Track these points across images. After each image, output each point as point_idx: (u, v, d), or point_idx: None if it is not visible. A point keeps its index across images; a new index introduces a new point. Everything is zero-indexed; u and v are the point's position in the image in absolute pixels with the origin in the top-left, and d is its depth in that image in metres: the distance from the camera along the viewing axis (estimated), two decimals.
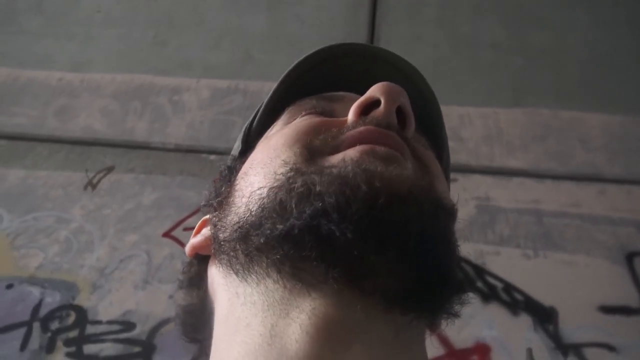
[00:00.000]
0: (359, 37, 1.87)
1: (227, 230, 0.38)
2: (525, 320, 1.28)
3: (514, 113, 1.70)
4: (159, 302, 1.29)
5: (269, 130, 0.47)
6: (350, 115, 0.41)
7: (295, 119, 0.45)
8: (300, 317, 0.33)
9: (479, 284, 1.33)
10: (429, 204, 0.34)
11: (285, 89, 0.49)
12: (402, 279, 0.33)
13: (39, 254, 1.39)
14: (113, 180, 1.56)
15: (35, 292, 1.31)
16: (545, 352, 1.23)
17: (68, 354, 1.22)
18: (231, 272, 0.37)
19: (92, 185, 1.55)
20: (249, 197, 0.37)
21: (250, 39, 1.89)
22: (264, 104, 0.49)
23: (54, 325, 1.26)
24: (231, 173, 0.44)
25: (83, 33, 1.94)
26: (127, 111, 1.73)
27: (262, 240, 0.34)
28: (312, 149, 0.38)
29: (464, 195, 1.51)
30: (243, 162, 0.43)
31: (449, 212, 0.36)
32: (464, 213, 1.47)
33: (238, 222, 0.37)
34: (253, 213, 0.36)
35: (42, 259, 1.38)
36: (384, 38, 1.88)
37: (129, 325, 1.26)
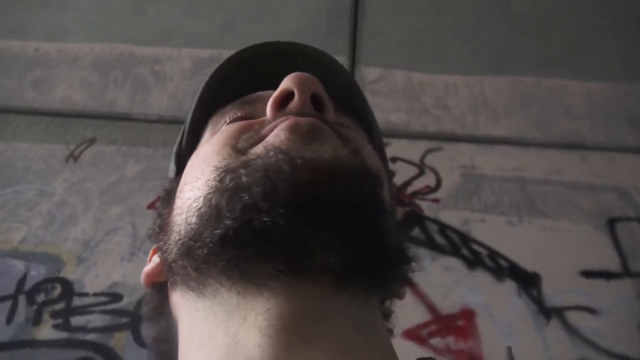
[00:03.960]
0: (342, 5, 1.84)
1: (173, 251, 0.38)
2: (509, 286, 1.31)
3: (498, 81, 1.71)
4: None
5: (199, 144, 0.47)
6: (268, 111, 0.41)
7: (219, 129, 0.45)
8: (258, 320, 0.32)
9: (464, 251, 1.35)
10: (352, 174, 0.34)
11: (205, 102, 0.49)
12: (341, 253, 0.33)
13: (22, 228, 1.37)
14: (95, 152, 1.54)
15: (20, 265, 1.30)
16: (528, 317, 1.26)
17: (55, 326, 1.21)
18: (187, 290, 0.37)
19: (73, 157, 1.52)
20: (187, 212, 0.37)
21: (230, 7, 1.86)
22: (188, 121, 0.49)
23: (40, 298, 1.25)
24: (169, 195, 0.44)
25: (58, 1, 1.88)
26: (107, 82, 1.70)
27: (205, 251, 0.34)
28: (239, 149, 0.39)
29: (450, 163, 1.52)
30: (179, 182, 0.43)
31: (375, 179, 0.36)
32: (450, 181, 1.48)
33: (180, 239, 0.37)
34: (192, 226, 0.36)
35: (25, 233, 1.36)
36: (368, 7, 1.85)
37: (116, 297, 1.26)
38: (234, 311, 0.34)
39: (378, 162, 0.43)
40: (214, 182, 0.36)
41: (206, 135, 0.47)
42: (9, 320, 1.21)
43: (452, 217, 1.41)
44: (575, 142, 1.59)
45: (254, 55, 0.50)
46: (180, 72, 1.72)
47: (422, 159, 1.52)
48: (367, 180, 0.35)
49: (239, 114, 0.46)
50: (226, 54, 1.70)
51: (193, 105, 0.49)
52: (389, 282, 0.37)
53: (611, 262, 1.34)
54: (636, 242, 1.37)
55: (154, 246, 0.45)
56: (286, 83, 0.41)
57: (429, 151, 1.54)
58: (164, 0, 1.88)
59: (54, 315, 1.23)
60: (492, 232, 1.39)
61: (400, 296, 0.44)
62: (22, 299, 1.25)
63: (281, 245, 0.32)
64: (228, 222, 0.33)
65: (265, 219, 0.32)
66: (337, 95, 0.46)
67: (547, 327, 1.25)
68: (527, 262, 1.33)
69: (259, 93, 0.47)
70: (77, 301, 1.25)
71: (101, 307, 1.24)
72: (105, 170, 1.50)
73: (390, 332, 0.45)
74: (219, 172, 0.36)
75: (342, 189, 0.33)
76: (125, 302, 1.25)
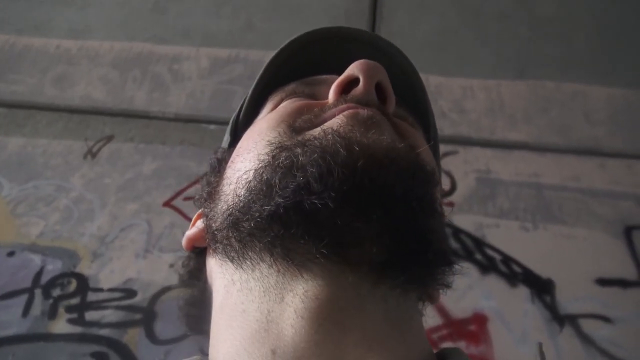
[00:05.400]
0: (362, 5, 1.84)
1: (218, 219, 0.38)
2: (522, 292, 1.29)
3: (517, 85, 1.69)
4: (159, 271, 1.30)
5: (256, 119, 0.48)
6: (331, 95, 0.41)
7: (280, 105, 0.45)
8: (294, 301, 0.33)
9: (478, 256, 1.34)
10: (408, 168, 0.34)
11: (268, 77, 0.49)
12: (385, 245, 0.33)
13: (40, 222, 1.39)
14: (113, 149, 1.56)
15: (37, 259, 1.32)
16: (541, 323, 1.25)
17: (70, 320, 1.23)
18: (227, 260, 0.37)
19: (91, 154, 1.54)
20: (236, 183, 0.38)
21: (251, 7, 1.86)
22: (249, 94, 0.50)
23: (56, 292, 1.27)
24: (220, 164, 0.45)
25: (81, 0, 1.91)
26: (126, 80, 1.72)
27: (252, 224, 0.34)
28: (295, 128, 0.39)
29: (465, 167, 1.51)
30: (231, 153, 0.44)
31: (429, 177, 0.36)
32: (464, 185, 1.47)
33: (227, 210, 0.37)
34: (241, 198, 0.36)
35: (42, 227, 1.38)
36: (388, 6, 1.85)
37: (130, 293, 1.27)
38: (271, 289, 0.34)
39: (432, 159, 0.44)
40: (266, 157, 0.36)
41: (264, 111, 0.48)
42: (25, 313, 1.23)
43: (466, 222, 1.40)
44: (594, 148, 1.56)
45: (319, 38, 0.50)
46: (198, 71, 1.73)
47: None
48: (422, 177, 0.35)
49: (299, 94, 0.46)
50: (244, 53, 1.71)
51: (255, 81, 0.49)
52: (427, 282, 0.37)
53: (627, 270, 1.32)
54: None
55: (199, 211, 0.46)
56: (352, 69, 0.41)
57: (444, 155, 1.53)
58: (185, 0, 1.90)
59: (69, 309, 1.25)
60: (506, 237, 1.37)
61: (434, 300, 0.44)
62: (38, 292, 1.26)
63: (328, 229, 0.33)
64: (279, 199, 0.33)
65: (316, 200, 0.32)
66: (400, 89, 0.46)
67: (560, 335, 1.23)
68: (541, 269, 1.32)
69: (322, 76, 0.48)
70: (91, 296, 1.27)
71: (115, 303, 1.26)
72: (122, 167, 1.51)
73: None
74: (272, 148, 0.37)
75: (397, 181, 0.33)
76: (139, 298, 1.27)
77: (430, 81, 1.68)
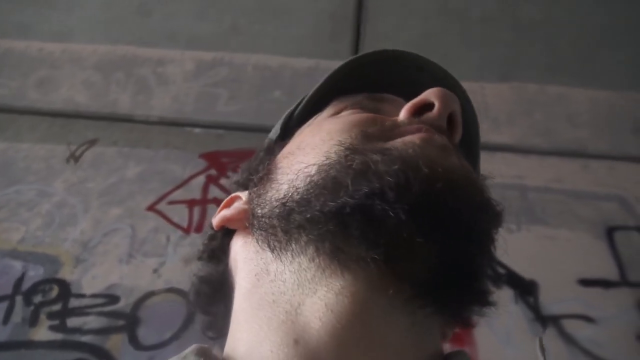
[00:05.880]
0: (347, 9, 1.84)
1: (267, 207, 0.38)
2: (506, 293, 1.30)
3: (501, 88, 1.70)
4: (143, 276, 1.30)
5: (311, 119, 0.48)
6: (403, 114, 0.42)
7: (342, 112, 0.46)
8: (328, 295, 0.33)
9: None
10: (482, 201, 0.35)
11: (331, 84, 0.49)
12: (435, 269, 0.33)
13: (21, 228, 1.38)
14: (96, 153, 1.54)
15: (18, 265, 1.31)
16: (525, 324, 1.26)
17: (51, 327, 1.22)
18: (266, 248, 0.37)
19: (74, 158, 1.53)
20: (295, 174, 0.37)
21: (236, 10, 1.86)
22: (310, 95, 0.50)
23: (37, 298, 1.26)
24: (269, 154, 0.45)
25: (64, 2, 1.89)
26: (109, 83, 1.71)
27: (308, 216, 0.35)
28: (368, 135, 0.39)
29: None
30: (282, 146, 0.44)
31: (498, 217, 0.37)
32: None
33: (281, 199, 0.37)
34: (299, 190, 0.36)
35: (24, 233, 1.37)
36: (373, 10, 1.85)
37: (113, 299, 1.26)
38: (307, 283, 0.34)
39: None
40: (335, 156, 0.36)
41: (324, 114, 0.48)
42: (6, 320, 1.22)
43: None
44: (577, 150, 1.58)
45: (391, 57, 0.50)
46: (183, 74, 1.73)
47: None
48: (492, 214, 0.36)
49: (362, 106, 0.46)
50: (229, 56, 1.71)
51: (317, 85, 0.50)
52: (456, 315, 0.37)
53: (609, 271, 1.33)
54: (635, 251, 1.36)
55: (233, 194, 0.46)
56: (429, 94, 0.42)
57: None
58: (170, 3, 1.89)
59: (51, 316, 1.23)
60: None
61: (468, 325, 0.43)
62: (19, 299, 1.25)
63: (390, 238, 0.33)
64: (348, 199, 0.33)
65: (387, 207, 0.32)
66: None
67: (543, 335, 1.24)
68: (525, 270, 1.33)
69: (385, 94, 0.48)
70: (74, 302, 1.26)
71: (98, 309, 1.25)
72: (105, 171, 1.50)
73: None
74: (343, 149, 0.37)
75: (469, 210, 0.33)
76: (122, 304, 1.26)
77: None
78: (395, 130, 0.39)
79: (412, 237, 0.32)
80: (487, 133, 1.59)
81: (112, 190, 1.46)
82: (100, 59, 1.77)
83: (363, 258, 0.33)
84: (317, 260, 0.34)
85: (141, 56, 1.77)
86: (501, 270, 1.33)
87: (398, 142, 0.37)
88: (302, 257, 0.35)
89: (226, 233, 0.44)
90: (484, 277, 0.36)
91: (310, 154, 0.39)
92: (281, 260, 0.36)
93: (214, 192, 1.44)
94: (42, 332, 1.21)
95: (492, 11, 1.85)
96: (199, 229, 1.37)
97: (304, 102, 0.50)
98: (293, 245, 0.36)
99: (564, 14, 1.85)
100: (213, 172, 1.48)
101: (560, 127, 1.63)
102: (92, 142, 1.57)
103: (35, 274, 1.30)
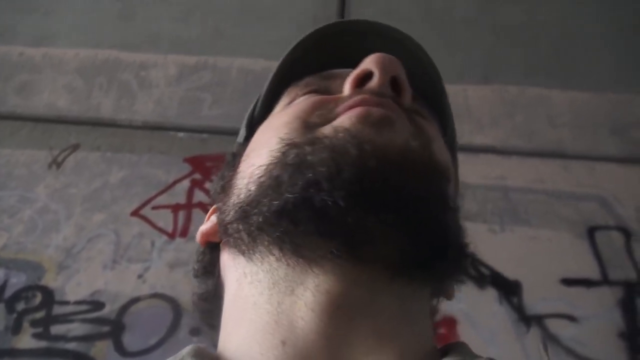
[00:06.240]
0: (330, 11, 1.85)
1: (230, 213, 0.38)
2: (491, 294, 1.31)
3: (482, 90, 1.72)
4: (128, 282, 1.29)
5: (271, 114, 0.48)
6: (346, 89, 0.41)
7: (295, 100, 0.45)
8: (305, 294, 0.33)
9: None
10: (419, 167, 0.34)
11: (284, 72, 0.49)
12: (400, 245, 0.33)
13: (3, 234, 1.36)
14: (79, 159, 1.53)
15: (0, 273, 1.29)
16: (509, 324, 1.27)
17: (35, 335, 1.20)
18: (238, 253, 0.38)
19: (56, 163, 1.51)
20: (249, 178, 0.38)
21: (219, 14, 1.86)
22: (264, 89, 0.50)
23: (20, 306, 1.24)
24: (235, 159, 0.45)
25: (45, 5, 1.87)
26: (92, 87, 1.69)
27: (260, 219, 0.35)
28: (309, 124, 0.39)
29: None
30: (246, 147, 0.44)
31: (442, 174, 0.36)
32: None
33: (240, 203, 0.37)
34: (252, 192, 0.36)
35: (6, 239, 1.35)
36: (355, 12, 1.86)
37: (97, 305, 1.25)
38: (281, 281, 0.34)
39: (448, 156, 0.43)
40: (277, 154, 0.36)
41: (279, 106, 0.47)
42: None
43: None
44: (558, 151, 1.60)
45: (335, 32, 0.49)
46: (166, 78, 1.72)
47: None
48: (434, 175, 0.35)
49: (315, 88, 0.46)
50: (213, 60, 1.70)
51: (271, 75, 0.49)
52: (442, 279, 0.37)
53: (591, 270, 1.35)
54: (615, 250, 1.39)
55: (214, 206, 0.46)
56: (367, 63, 0.41)
57: None
58: (152, 6, 1.88)
59: (34, 323, 1.22)
60: (474, 240, 1.39)
61: (449, 296, 0.44)
62: (1, 307, 1.23)
63: (340, 227, 0.32)
64: (288, 195, 0.33)
65: (326, 197, 0.32)
66: (418, 83, 0.45)
67: (527, 335, 1.26)
68: (508, 270, 1.34)
69: (337, 70, 0.47)
70: (57, 309, 1.24)
71: (82, 316, 1.23)
72: (88, 176, 1.49)
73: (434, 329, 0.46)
74: (282, 145, 0.37)
75: (407, 181, 0.33)
76: (107, 311, 1.24)
77: None
78: (336, 110, 0.39)
79: (359, 221, 0.32)
80: (470, 135, 1.62)
81: (95, 195, 1.45)
82: (81, 64, 1.75)
83: (324, 251, 0.33)
84: (284, 259, 0.34)
85: (124, 60, 1.76)
86: (485, 271, 1.34)
87: (328, 129, 0.37)
88: (270, 257, 0.35)
89: (214, 247, 0.44)
90: (452, 232, 0.36)
91: (261, 154, 0.39)
92: (253, 262, 0.36)
93: (199, 196, 1.43)
94: (26, 340, 1.19)
95: (473, 14, 1.88)
96: (184, 233, 1.36)
97: (260, 97, 0.50)
98: (259, 246, 0.36)
99: (542, 17, 1.88)
100: (197, 176, 1.48)
101: (541, 128, 1.65)
102: (75, 147, 1.55)
103: (18, 281, 1.28)
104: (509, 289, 1.31)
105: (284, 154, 0.36)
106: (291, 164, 0.35)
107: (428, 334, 0.37)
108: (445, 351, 0.36)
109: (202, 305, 0.47)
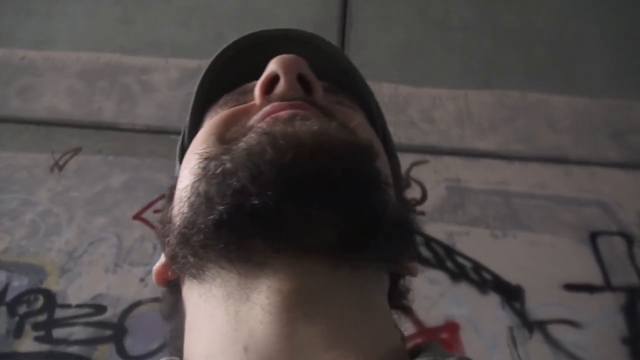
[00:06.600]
0: (330, 17, 1.86)
1: (172, 241, 0.38)
2: (493, 299, 1.31)
3: (483, 95, 1.72)
4: (130, 285, 1.28)
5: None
6: (256, 98, 0.41)
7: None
8: (260, 298, 0.33)
9: (449, 264, 1.36)
10: (339, 147, 0.34)
11: (203, 97, 0.49)
12: (334, 227, 0.33)
13: (5, 238, 1.35)
14: (80, 162, 1.53)
15: (1, 276, 1.28)
16: (511, 329, 1.27)
17: (37, 338, 1.20)
18: (190, 278, 0.37)
19: (58, 167, 1.51)
20: (180, 202, 0.38)
21: (220, 18, 1.86)
22: (188, 119, 0.50)
23: (22, 309, 1.24)
24: (172, 193, 0.44)
25: (46, 9, 1.87)
26: (93, 91, 1.69)
27: (202, 236, 0.34)
28: (224, 140, 0.39)
29: (435, 176, 1.53)
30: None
31: (366, 150, 0.36)
32: (435, 194, 1.49)
33: (177, 229, 0.37)
34: (186, 215, 0.36)
35: (7, 243, 1.34)
36: (357, 18, 1.87)
37: (99, 309, 1.25)
38: (235, 291, 0.34)
39: (371, 133, 0.43)
40: (198, 170, 0.36)
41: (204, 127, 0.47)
42: None
43: (437, 230, 1.41)
44: (559, 156, 1.60)
45: (245, 47, 0.50)
46: (168, 82, 1.72)
47: (408, 172, 1.53)
48: (357, 152, 0.35)
49: (233, 105, 0.46)
50: None
51: (191, 102, 0.49)
52: (388, 255, 0.37)
53: (593, 275, 1.35)
54: (617, 256, 1.39)
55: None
56: (271, 67, 0.41)
57: (415, 164, 1.55)
58: (153, 10, 1.88)
59: (36, 327, 1.21)
60: (476, 245, 1.40)
61: (413, 273, 0.44)
62: (3, 310, 1.23)
63: (275, 225, 0.33)
64: (220, 207, 0.33)
65: (255, 201, 0.32)
66: (331, 76, 0.46)
67: (530, 341, 1.25)
68: (510, 275, 1.34)
69: (252, 82, 0.47)
70: (59, 313, 1.24)
71: (84, 319, 1.23)
72: (90, 180, 1.48)
73: (409, 309, 0.45)
74: (201, 160, 0.37)
75: (329, 164, 0.33)
76: (109, 314, 1.24)
77: (400, 91, 1.70)
78: (249, 123, 0.39)
79: (294, 213, 0.32)
80: (472, 140, 1.62)
81: (97, 199, 1.44)
82: (83, 67, 1.75)
83: (269, 252, 0.33)
84: (235, 268, 0.34)
85: (125, 64, 1.76)
86: (488, 276, 1.35)
87: (244, 138, 0.37)
88: (220, 271, 0.35)
89: (175, 285, 0.43)
90: (387, 208, 0.35)
91: (183, 177, 0.39)
92: (206, 281, 0.36)
93: None
94: (28, 344, 1.19)
95: (471, 19, 1.89)
96: None
97: (186, 127, 0.50)
98: (207, 264, 0.35)
99: (541, 22, 1.89)
100: None
101: (541, 133, 1.65)
102: (76, 151, 1.55)
103: (20, 284, 1.28)
104: (511, 294, 1.31)
105: (204, 168, 0.36)
106: (214, 176, 0.35)
107: (388, 319, 0.37)
108: (417, 351, 0.36)
109: (175, 344, 0.47)
